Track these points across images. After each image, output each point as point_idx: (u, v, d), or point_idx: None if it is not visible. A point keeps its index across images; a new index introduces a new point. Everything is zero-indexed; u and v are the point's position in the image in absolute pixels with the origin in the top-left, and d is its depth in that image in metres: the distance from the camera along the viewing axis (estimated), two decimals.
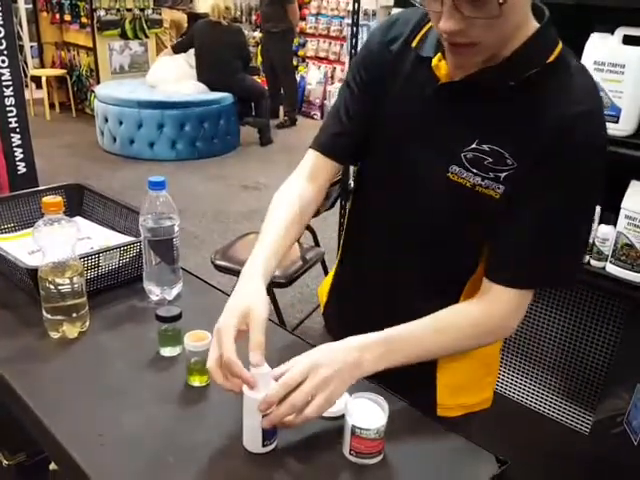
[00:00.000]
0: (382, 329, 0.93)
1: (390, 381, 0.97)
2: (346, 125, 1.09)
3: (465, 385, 1.15)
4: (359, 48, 1.20)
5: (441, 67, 0.96)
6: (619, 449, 1.78)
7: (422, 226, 1.02)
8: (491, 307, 0.97)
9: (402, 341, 0.94)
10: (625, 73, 1.46)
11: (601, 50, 1.49)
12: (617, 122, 1.49)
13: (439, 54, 0.95)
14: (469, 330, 0.98)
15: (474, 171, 0.93)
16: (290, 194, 1.11)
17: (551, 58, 0.90)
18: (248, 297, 0.93)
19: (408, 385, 0.97)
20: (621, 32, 1.47)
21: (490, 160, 0.92)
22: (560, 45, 0.92)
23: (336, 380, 0.85)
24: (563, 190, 0.90)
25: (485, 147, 0.92)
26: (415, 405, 1.00)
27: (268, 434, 0.87)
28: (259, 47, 7.79)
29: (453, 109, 0.96)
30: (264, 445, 0.87)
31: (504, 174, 0.92)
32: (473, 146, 0.93)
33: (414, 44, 1.01)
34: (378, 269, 1.11)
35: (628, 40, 1.46)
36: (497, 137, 0.92)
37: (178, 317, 1.07)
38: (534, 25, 0.91)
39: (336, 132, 1.11)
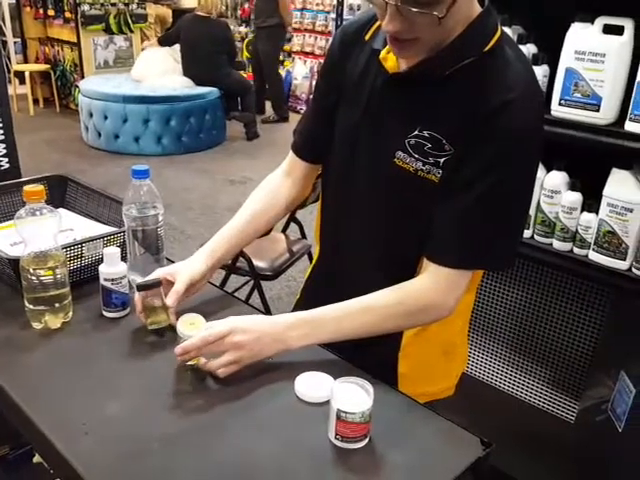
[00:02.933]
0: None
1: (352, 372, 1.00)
2: (313, 127, 1.20)
3: (425, 374, 1.17)
4: None
5: (388, 59, 1.00)
6: (604, 436, 1.80)
7: (372, 209, 1.08)
8: (422, 285, 1.01)
9: (328, 320, 1.01)
10: (605, 62, 1.47)
11: (581, 39, 1.50)
12: (598, 111, 1.50)
13: (387, 47, 0.99)
14: (396, 308, 1.02)
15: (416, 156, 0.98)
16: (262, 189, 1.25)
17: (489, 46, 0.94)
18: (181, 264, 1.16)
19: (370, 375, 1.00)
20: (601, 21, 1.47)
21: (430, 146, 0.97)
22: (499, 32, 0.96)
23: (249, 347, 0.97)
24: (495, 175, 0.93)
25: (425, 133, 0.97)
26: None
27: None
28: (245, 42, 7.76)
29: (399, 99, 1.01)
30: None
31: (443, 159, 0.96)
32: (415, 133, 0.98)
33: (367, 37, 1.07)
34: (339, 255, 1.17)
35: (608, 29, 1.47)
36: (435, 124, 0.96)
37: (158, 284, 1.08)
38: (476, 11, 0.95)
39: (304, 133, 1.22)
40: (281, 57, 7.03)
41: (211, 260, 1.17)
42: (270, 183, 1.26)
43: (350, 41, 1.10)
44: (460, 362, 1.28)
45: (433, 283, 1.00)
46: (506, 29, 1.63)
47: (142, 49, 6.19)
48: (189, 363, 1.02)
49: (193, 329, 1.01)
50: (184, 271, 1.12)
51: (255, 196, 1.24)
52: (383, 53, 1.01)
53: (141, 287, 1.07)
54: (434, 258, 1.00)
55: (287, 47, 7.35)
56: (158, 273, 1.13)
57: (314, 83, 7.06)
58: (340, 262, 1.18)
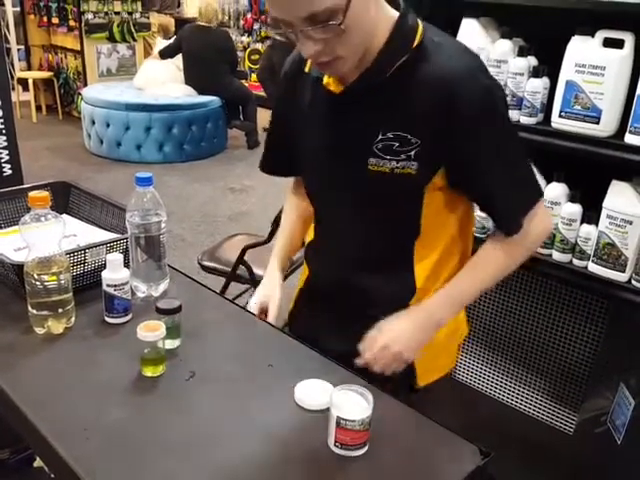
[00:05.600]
0: (336, 311, 1.19)
1: None
2: (276, 150, 1.32)
3: (438, 353, 1.23)
4: None
5: (331, 83, 1.06)
6: (603, 448, 1.80)
7: (358, 216, 1.15)
8: (517, 237, 1.11)
9: (458, 291, 1.13)
10: (605, 75, 1.48)
11: (582, 52, 1.51)
12: (598, 123, 1.51)
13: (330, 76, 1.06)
14: (505, 259, 1.15)
15: (388, 157, 1.04)
16: (288, 205, 1.39)
17: (415, 42, 1.00)
18: (267, 287, 1.29)
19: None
20: (601, 35, 1.49)
21: (397, 144, 1.03)
22: (420, 27, 1.02)
23: (407, 351, 1.08)
24: (485, 138, 1.03)
25: (389, 135, 1.03)
26: (396, 380, 1.11)
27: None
28: (247, 51, 7.81)
29: (353, 114, 1.07)
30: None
31: (413, 152, 1.02)
32: (380, 137, 1.04)
33: (307, 69, 1.13)
34: (331, 265, 1.23)
35: (608, 43, 1.49)
36: (395, 123, 1.02)
37: (178, 309, 1.08)
38: (392, 17, 1.02)
39: (268, 155, 1.35)
40: None
41: (281, 280, 1.31)
42: (289, 201, 1.39)
43: (292, 76, 1.17)
44: (462, 335, 1.33)
45: (523, 235, 1.11)
46: (506, 41, 1.65)
47: None
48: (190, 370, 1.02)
49: (150, 332, 1.00)
50: (275, 296, 1.26)
51: (287, 214, 1.39)
52: (325, 79, 1.07)
53: (162, 311, 1.07)
54: (510, 231, 1.11)
55: None
56: (259, 300, 1.26)
57: None
58: (333, 271, 1.22)
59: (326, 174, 1.15)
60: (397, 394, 1.03)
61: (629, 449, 1.65)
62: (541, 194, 1.15)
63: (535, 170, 1.16)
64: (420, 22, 1.03)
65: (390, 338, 1.07)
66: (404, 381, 1.17)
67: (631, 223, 1.50)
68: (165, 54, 5.82)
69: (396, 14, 1.02)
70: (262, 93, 6.66)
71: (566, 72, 1.55)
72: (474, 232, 1.29)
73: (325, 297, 1.24)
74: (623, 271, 1.54)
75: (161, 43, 6.09)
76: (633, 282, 1.53)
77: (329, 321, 1.23)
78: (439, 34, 1.04)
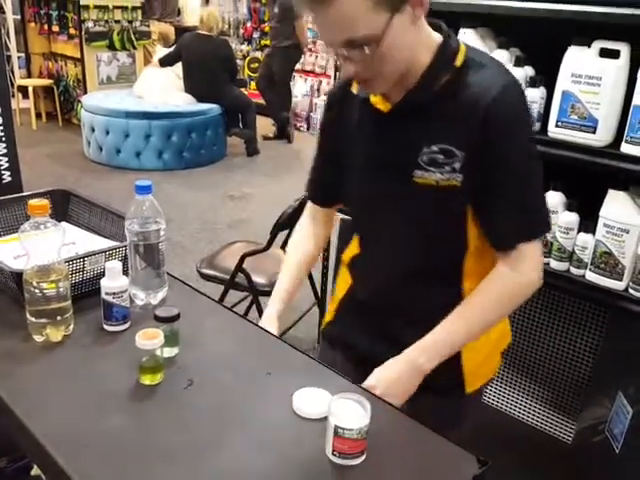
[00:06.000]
0: (379, 319, 1.20)
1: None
2: (321, 176, 1.34)
3: (484, 361, 1.26)
4: None
5: (379, 102, 1.12)
6: (601, 457, 1.80)
7: (405, 228, 1.16)
8: (504, 272, 1.11)
9: (443, 336, 1.12)
10: (602, 85, 1.49)
11: (578, 62, 1.53)
12: (594, 133, 1.52)
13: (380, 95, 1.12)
14: (497, 300, 1.13)
15: (433, 169, 1.08)
16: (297, 240, 1.40)
17: (458, 62, 1.06)
18: (263, 321, 1.29)
19: (436, 370, 1.12)
20: (598, 45, 1.50)
21: (442, 157, 1.07)
22: (463, 48, 1.08)
23: (394, 393, 1.09)
24: (511, 157, 1.06)
25: (434, 148, 1.07)
26: (444, 387, 1.15)
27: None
28: (246, 60, 7.84)
29: (399, 130, 1.12)
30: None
31: (458, 164, 1.06)
32: (424, 150, 1.08)
33: (354, 90, 1.18)
34: (375, 277, 1.25)
35: (604, 53, 1.50)
36: (439, 137, 1.07)
37: (177, 317, 1.08)
38: (435, 40, 1.08)
39: (315, 182, 1.36)
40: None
41: (281, 306, 1.32)
42: (303, 230, 1.40)
43: (339, 99, 1.22)
44: (507, 337, 1.35)
45: (512, 266, 1.11)
46: (503, 52, 1.67)
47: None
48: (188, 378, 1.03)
49: (148, 340, 1.01)
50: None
51: (294, 247, 1.39)
52: (372, 98, 1.12)
53: (159, 319, 1.08)
54: (502, 246, 1.11)
55: None
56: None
57: (314, 101, 7.14)
58: (379, 284, 1.24)
59: (374, 188, 1.19)
60: (445, 400, 1.10)
61: (627, 458, 1.65)
62: (546, 230, 1.16)
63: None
64: (462, 44, 1.09)
65: (384, 389, 1.10)
66: (453, 388, 1.21)
67: (628, 232, 1.51)
68: (165, 62, 5.84)
69: (439, 37, 1.08)
70: (261, 101, 6.69)
71: (563, 82, 1.56)
72: None
73: (369, 307, 1.26)
74: (620, 280, 1.55)
75: (161, 51, 6.12)
76: (630, 291, 1.54)
77: (370, 327, 1.25)
78: (481, 55, 1.10)
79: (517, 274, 1.11)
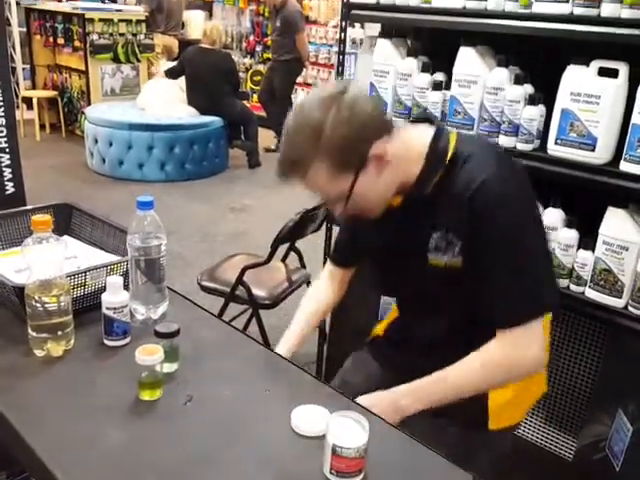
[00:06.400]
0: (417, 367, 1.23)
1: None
2: (343, 242, 1.53)
3: (509, 405, 1.30)
4: (345, 76, 1.38)
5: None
6: (602, 475, 1.79)
7: (419, 303, 1.34)
8: (494, 348, 1.17)
9: (429, 386, 1.20)
10: (600, 104, 1.51)
11: (577, 81, 1.54)
12: (593, 151, 1.53)
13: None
14: (483, 367, 1.19)
15: (440, 253, 1.20)
16: (311, 297, 1.54)
17: (448, 157, 1.17)
18: None
19: (462, 404, 1.18)
20: (596, 64, 1.52)
21: (444, 242, 1.19)
22: (453, 142, 1.18)
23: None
24: (499, 247, 1.13)
25: (436, 234, 1.20)
26: (468, 421, 1.22)
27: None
28: (249, 72, 7.89)
29: (409, 220, 1.23)
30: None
31: (457, 249, 1.18)
32: (432, 237, 1.20)
33: None
34: (410, 325, 1.42)
35: (603, 72, 1.51)
36: (439, 225, 1.19)
37: (177, 333, 1.09)
38: (422, 148, 1.19)
39: (338, 244, 1.56)
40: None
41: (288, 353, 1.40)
42: (318, 289, 1.55)
43: None
44: (537, 390, 1.41)
45: (500, 345, 1.17)
46: (503, 70, 1.68)
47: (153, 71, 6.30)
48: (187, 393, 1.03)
49: (148, 356, 1.01)
50: None
51: (307, 306, 1.52)
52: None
53: (159, 334, 1.08)
54: (496, 326, 1.17)
55: None
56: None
57: None
58: (412, 330, 1.40)
59: (391, 269, 1.35)
60: (467, 431, 1.17)
61: (627, 476, 1.64)
62: (541, 310, 1.17)
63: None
64: (453, 135, 1.20)
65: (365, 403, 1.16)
66: (477, 422, 1.28)
67: (627, 249, 1.51)
68: (169, 75, 5.89)
69: (428, 140, 1.19)
70: (263, 113, 6.72)
71: (562, 100, 1.57)
72: None
73: (405, 347, 1.39)
74: (620, 297, 1.55)
75: (165, 65, 6.17)
76: (630, 308, 1.54)
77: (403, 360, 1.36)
78: (472, 142, 1.22)
79: (509, 349, 1.16)
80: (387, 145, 1.13)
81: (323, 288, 1.54)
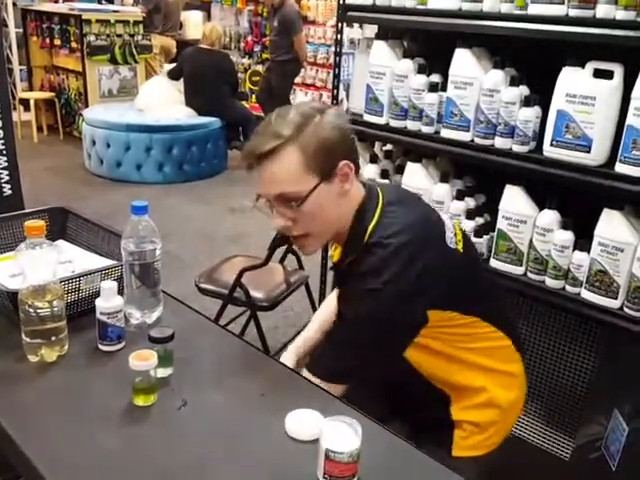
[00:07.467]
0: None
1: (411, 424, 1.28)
2: None
3: (470, 437, 1.31)
4: (342, 76, 1.47)
5: (334, 254, 1.34)
6: (598, 474, 1.79)
7: None
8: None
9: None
10: (595, 105, 1.51)
11: (572, 83, 1.54)
12: (589, 152, 1.53)
13: (335, 245, 1.32)
14: None
15: None
16: (326, 304, 1.59)
17: (367, 235, 1.17)
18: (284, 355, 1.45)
19: (425, 425, 1.26)
20: (591, 66, 1.52)
21: None
22: (378, 210, 1.19)
23: None
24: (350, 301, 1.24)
25: None
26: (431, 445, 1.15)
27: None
28: (247, 73, 7.88)
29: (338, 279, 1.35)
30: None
31: None
32: None
33: None
34: None
35: (598, 74, 1.52)
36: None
37: (171, 338, 1.09)
38: (360, 192, 1.22)
39: None
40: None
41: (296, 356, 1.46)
42: (333, 294, 1.56)
43: None
44: (509, 423, 1.42)
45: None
46: (499, 71, 1.68)
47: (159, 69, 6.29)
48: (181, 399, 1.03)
49: (141, 361, 1.01)
50: None
51: (321, 311, 1.59)
52: (331, 250, 1.36)
53: (153, 339, 1.08)
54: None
55: None
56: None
57: None
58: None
59: None
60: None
61: (623, 475, 1.64)
62: (325, 378, 1.19)
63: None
64: (380, 206, 1.20)
65: None
66: (441, 446, 1.28)
67: (622, 251, 1.51)
68: (171, 76, 5.89)
69: (360, 195, 1.22)
70: (262, 114, 6.72)
71: (557, 102, 1.58)
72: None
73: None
74: (615, 298, 1.55)
75: (169, 66, 6.17)
76: (625, 309, 1.54)
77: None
78: (392, 215, 1.19)
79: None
80: (351, 173, 1.18)
81: (336, 294, 1.55)
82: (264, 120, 1.17)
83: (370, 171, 2.02)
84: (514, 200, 1.70)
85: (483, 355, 1.28)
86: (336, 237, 1.24)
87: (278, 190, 1.15)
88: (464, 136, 1.76)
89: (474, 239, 1.77)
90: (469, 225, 1.78)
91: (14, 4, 6.88)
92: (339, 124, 1.16)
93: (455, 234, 1.23)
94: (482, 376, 1.28)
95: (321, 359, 1.26)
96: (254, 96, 7.29)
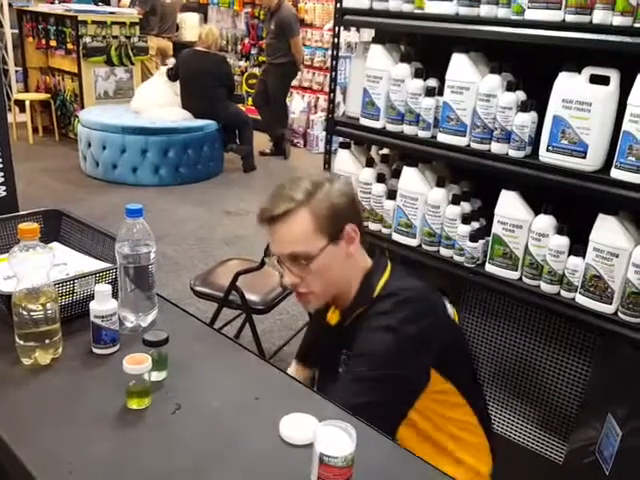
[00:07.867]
0: None
1: None
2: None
3: None
4: (339, 79, 1.40)
5: (332, 317, 1.40)
6: (592, 478, 1.79)
7: None
8: None
9: None
10: (592, 111, 1.51)
11: (569, 88, 1.54)
12: (584, 157, 1.54)
13: (332, 307, 1.39)
14: None
15: (344, 366, 1.34)
16: None
17: (375, 293, 1.27)
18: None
19: None
20: (588, 71, 1.52)
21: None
22: (385, 277, 1.29)
23: None
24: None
25: (345, 354, 1.33)
26: None
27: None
28: (244, 76, 7.89)
29: (334, 340, 1.38)
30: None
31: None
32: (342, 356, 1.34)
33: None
34: None
35: (594, 79, 1.52)
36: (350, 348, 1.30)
37: (165, 341, 1.08)
38: (367, 262, 1.33)
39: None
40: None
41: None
42: None
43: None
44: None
45: None
46: (495, 76, 1.69)
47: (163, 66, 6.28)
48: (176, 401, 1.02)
49: (135, 365, 1.01)
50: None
51: None
52: (329, 313, 1.40)
53: (148, 343, 1.08)
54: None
55: None
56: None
57: (311, 117, 7.18)
58: None
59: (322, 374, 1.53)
60: None
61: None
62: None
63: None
64: (389, 269, 1.32)
65: None
66: None
67: (617, 256, 1.52)
68: (169, 77, 5.88)
69: (368, 261, 1.33)
70: (258, 117, 6.72)
71: (553, 107, 1.58)
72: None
73: None
74: (610, 303, 1.55)
75: (164, 68, 6.16)
76: (619, 314, 1.54)
77: None
78: (401, 282, 1.30)
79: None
80: (356, 237, 1.28)
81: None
82: (277, 185, 1.29)
83: (366, 175, 2.02)
84: (510, 205, 1.70)
85: (462, 447, 1.35)
86: (336, 299, 1.33)
87: (290, 249, 1.25)
88: (460, 141, 1.77)
89: (469, 243, 1.77)
90: (464, 230, 1.78)
91: (10, 5, 6.87)
92: (347, 191, 1.29)
93: (450, 309, 1.36)
94: (452, 467, 1.29)
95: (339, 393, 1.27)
96: (250, 99, 7.30)
